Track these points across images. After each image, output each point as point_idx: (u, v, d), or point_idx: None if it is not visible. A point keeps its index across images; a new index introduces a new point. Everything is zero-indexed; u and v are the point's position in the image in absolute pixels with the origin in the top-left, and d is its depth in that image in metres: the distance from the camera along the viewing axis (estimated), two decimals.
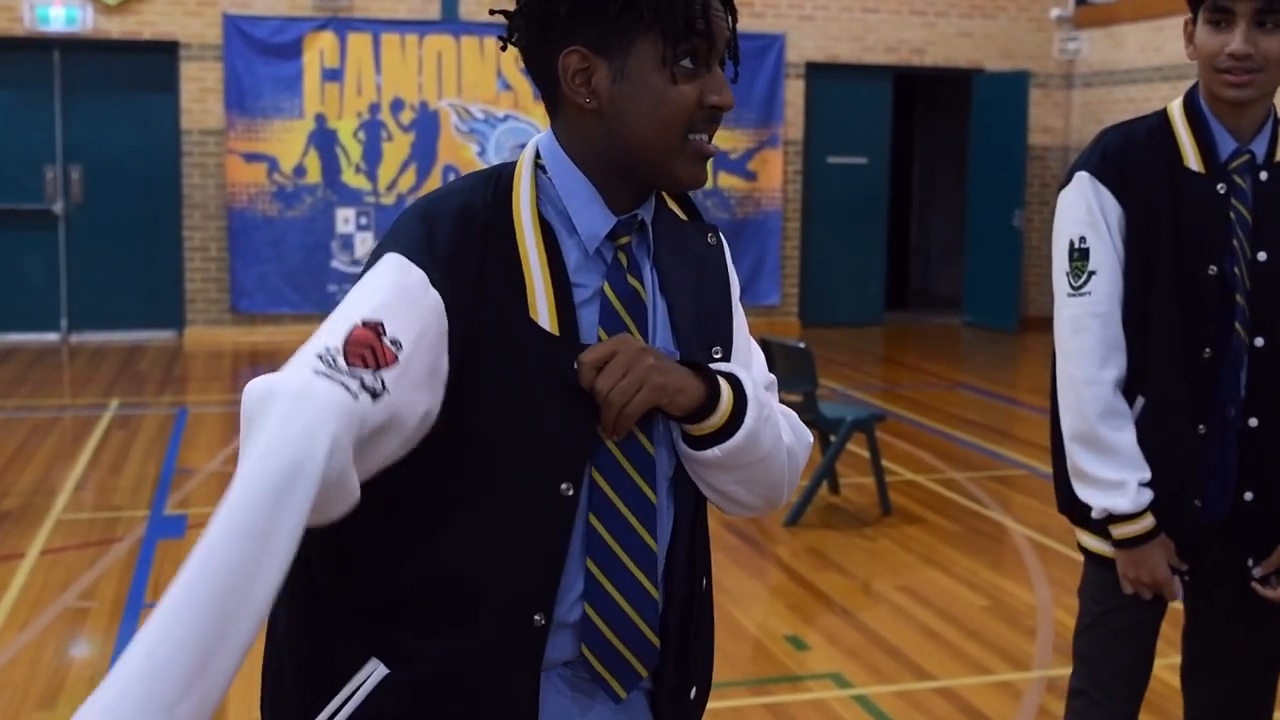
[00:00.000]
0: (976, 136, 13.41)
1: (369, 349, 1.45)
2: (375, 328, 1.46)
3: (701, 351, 1.67)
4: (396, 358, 1.45)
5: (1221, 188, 2.55)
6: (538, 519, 1.56)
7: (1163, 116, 2.63)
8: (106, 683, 1.27)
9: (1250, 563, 2.68)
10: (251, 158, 11.55)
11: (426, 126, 11.89)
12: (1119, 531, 2.58)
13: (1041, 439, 8.16)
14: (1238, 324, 2.57)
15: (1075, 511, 2.69)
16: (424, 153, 11.91)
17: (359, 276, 1.57)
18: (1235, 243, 2.56)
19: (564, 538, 1.57)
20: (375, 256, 1.57)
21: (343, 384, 1.41)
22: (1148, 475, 2.55)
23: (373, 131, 11.80)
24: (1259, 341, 2.58)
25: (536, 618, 1.57)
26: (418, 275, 1.51)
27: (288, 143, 11.61)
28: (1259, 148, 2.58)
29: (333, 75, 11.68)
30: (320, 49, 11.63)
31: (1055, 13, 13.36)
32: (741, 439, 1.62)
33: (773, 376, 1.80)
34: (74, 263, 11.64)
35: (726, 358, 1.70)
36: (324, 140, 11.69)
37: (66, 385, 9.95)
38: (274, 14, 11.56)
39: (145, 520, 6.15)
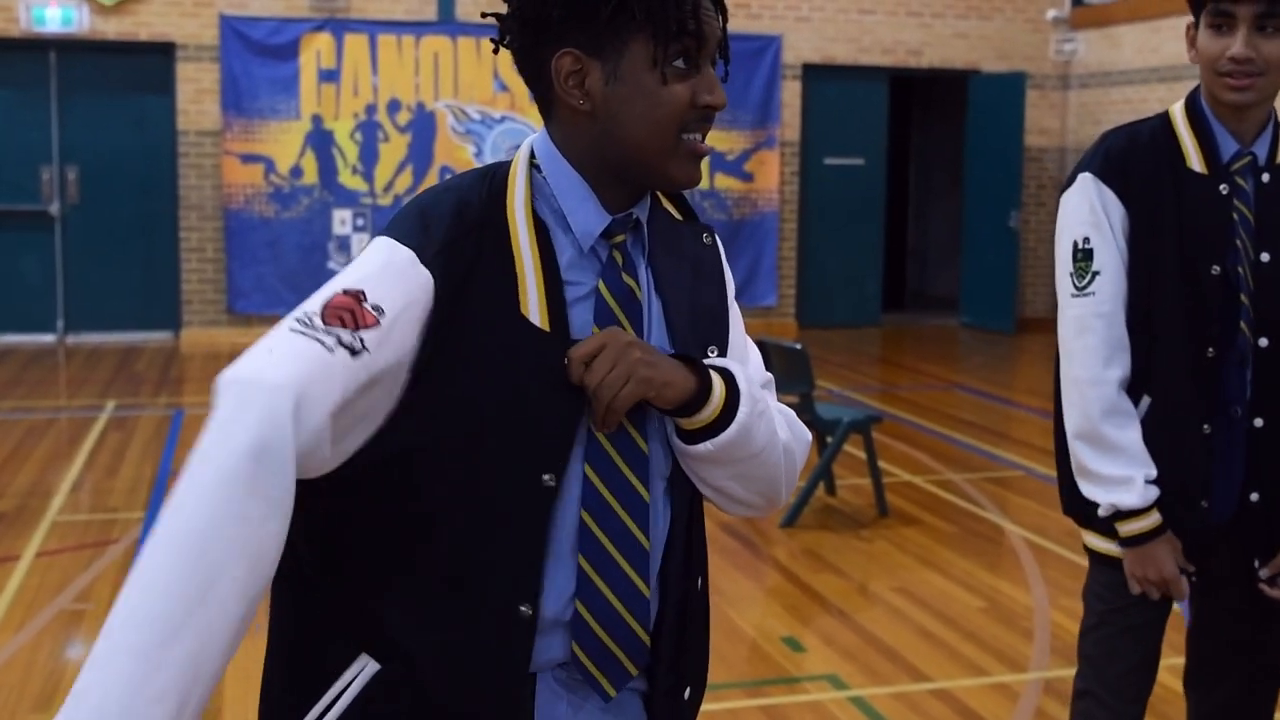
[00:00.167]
0: (973, 138, 13.41)
1: (348, 311, 1.49)
2: (356, 295, 1.50)
3: (697, 350, 1.67)
4: (378, 321, 1.49)
5: (1224, 188, 2.57)
6: (518, 509, 1.56)
7: (1165, 119, 2.65)
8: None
9: (1257, 564, 2.68)
10: (248, 159, 11.55)
11: (423, 127, 11.89)
12: (1126, 529, 2.58)
13: (1039, 440, 8.19)
14: (1242, 323, 2.58)
15: (1081, 512, 2.69)
16: (420, 154, 11.90)
17: None
18: (1238, 243, 2.57)
19: (543, 527, 1.57)
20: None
21: (317, 339, 1.46)
22: (1154, 472, 2.56)
23: (369, 132, 11.79)
24: (1264, 342, 2.59)
25: (523, 609, 1.56)
26: (406, 253, 1.54)
27: (284, 144, 11.61)
28: (1260, 150, 2.60)
29: (329, 76, 11.67)
30: (317, 50, 11.62)
31: (1051, 14, 13.37)
32: (734, 433, 1.63)
33: (769, 375, 1.81)
34: (70, 264, 11.63)
35: (722, 357, 1.70)
36: (321, 141, 11.69)
37: (62, 386, 9.94)
38: (270, 15, 11.55)
39: (141, 522, 6.15)
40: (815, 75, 12.94)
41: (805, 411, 6.23)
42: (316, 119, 11.65)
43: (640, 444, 1.63)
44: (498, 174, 1.64)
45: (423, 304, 1.52)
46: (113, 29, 11.38)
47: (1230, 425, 2.61)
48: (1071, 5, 13.40)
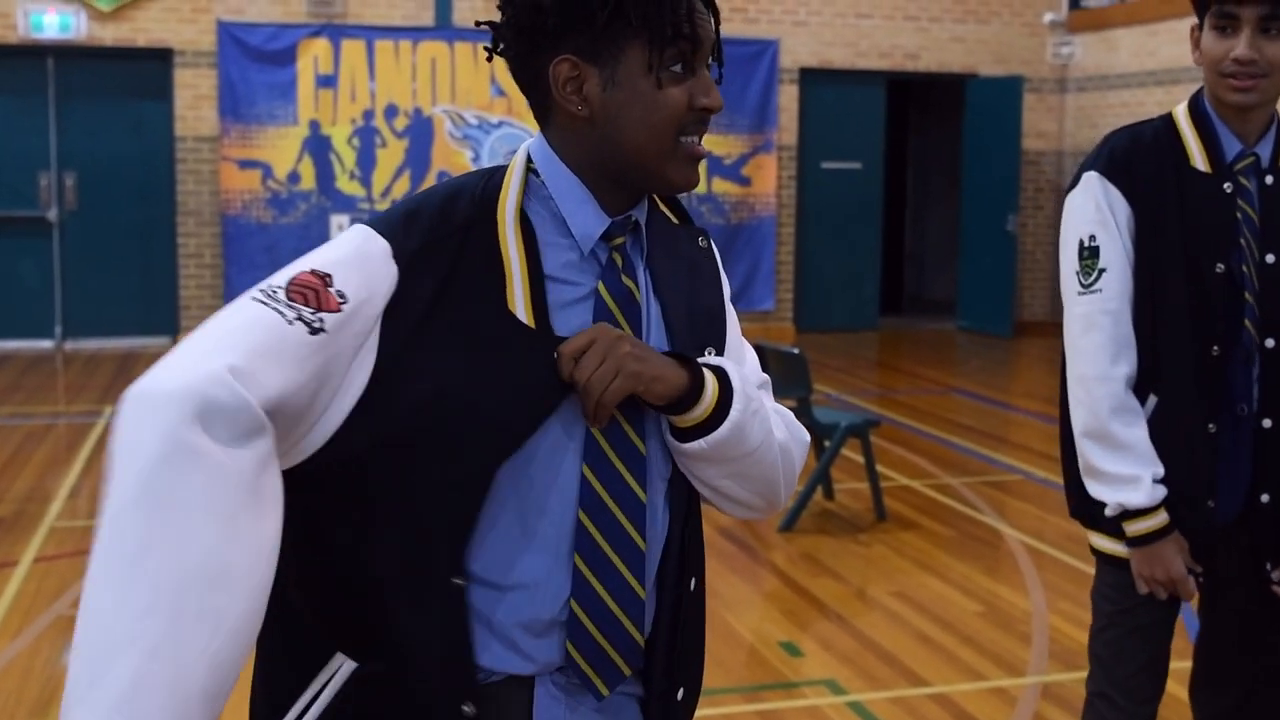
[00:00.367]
0: (970, 141, 13.42)
1: (312, 291, 1.49)
2: (323, 277, 1.51)
3: (695, 352, 1.68)
4: (340, 307, 1.49)
5: (1228, 187, 2.59)
6: (466, 490, 1.55)
7: (1168, 119, 2.67)
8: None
9: (1269, 566, 2.68)
10: (246, 164, 11.55)
11: (420, 133, 11.89)
12: (1133, 528, 2.58)
13: (1037, 444, 8.19)
14: (1247, 321, 2.59)
15: (1087, 514, 2.70)
16: (418, 159, 11.91)
17: None
18: (1242, 241, 2.59)
19: (478, 498, 1.55)
20: None
21: (278, 310, 1.46)
22: (1161, 471, 2.57)
23: (367, 138, 11.80)
24: (1270, 343, 2.60)
25: (455, 580, 1.56)
26: (381, 245, 1.55)
27: (282, 149, 11.61)
28: (1264, 151, 2.61)
29: (327, 82, 11.68)
30: (314, 56, 11.63)
31: (1048, 17, 13.38)
32: (727, 431, 1.63)
33: (765, 376, 1.81)
34: (68, 269, 11.63)
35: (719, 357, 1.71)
36: (318, 147, 11.69)
37: (61, 392, 9.94)
38: (268, 21, 11.56)
39: None
40: (812, 79, 12.94)
41: (803, 416, 6.23)
42: (314, 125, 11.65)
43: (638, 444, 1.63)
44: (495, 175, 1.65)
45: (385, 298, 1.52)
46: (110, 35, 11.38)
47: (1236, 424, 2.62)
48: (1068, 9, 13.42)
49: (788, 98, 12.81)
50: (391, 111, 11.83)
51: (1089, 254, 2.61)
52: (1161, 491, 2.56)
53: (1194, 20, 2.63)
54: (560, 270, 1.61)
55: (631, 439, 1.62)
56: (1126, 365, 2.59)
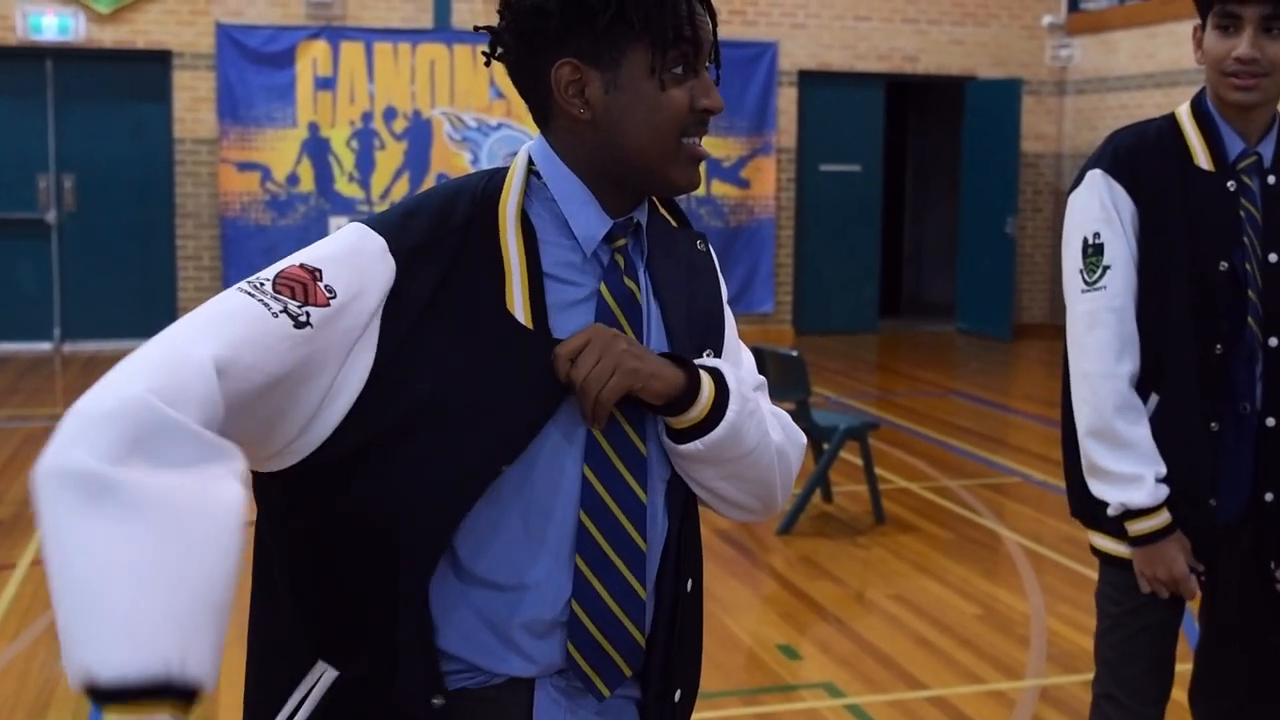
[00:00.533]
0: (969, 144, 13.43)
1: (300, 284, 1.49)
2: (313, 271, 1.51)
3: (693, 354, 1.68)
4: (329, 302, 1.49)
5: (1231, 185, 2.60)
6: (465, 491, 1.55)
7: (1171, 119, 2.69)
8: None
9: (1273, 565, 2.68)
10: (244, 167, 11.55)
11: (419, 135, 11.89)
12: (1135, 528, 2.58)
13: (1036, 446, 8.19)
14: (1250, 319, 2.60)
15: (1089, 514, 2.70)
16: (417, 161, 11.91)
17: None
18: (1246, 240, 2.60)
19: (470, 497, 1.55)
20: None
21: (263, 302, 1.46)
22: (1164, 470, 2.57)
23: (366, 140, 11.80)
24: (1273, 342, 2.61)
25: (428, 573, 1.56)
26: (377, 241, 1.55)
27: (281, 151, 11.61)
28: (1265, 150, 2.63)
29: (325, 84, 11.68)
30: (313, 58, 11.63)
31: (1047, 20, 13.39)
32: (723, 432, 1.63)
33: (762, 379, 1.82)
34: (67, 272, 11.63)
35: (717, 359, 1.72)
36: (317, 149, 11.69)
37: (59, 395, 9.93)
38: (267, 23, 11.56)
39: None
40: (811, 82, 12.95)
41: (802, 418, 6.23)
42: (313, 127, 11.65)
43: (639, 445, 1.63)
44: (495, 177, 1.65)
45: (381, 292, 1.52)
46: (109, 37, 11.38)
47: (1239, 423, 2.62)
48: (1067, 11, 13.42)
49: (786, 100, 12.81)
50: (390, 114, 11.83)
51: (1093, 251, 2.62)
52: (1164, 491, 2.56)
53: (1192, 23, 2.64)
54: (562, 270, 1.62)
55: (632, 440, 1.63)
56: (1130, 363, 2.59)
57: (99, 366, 11.37)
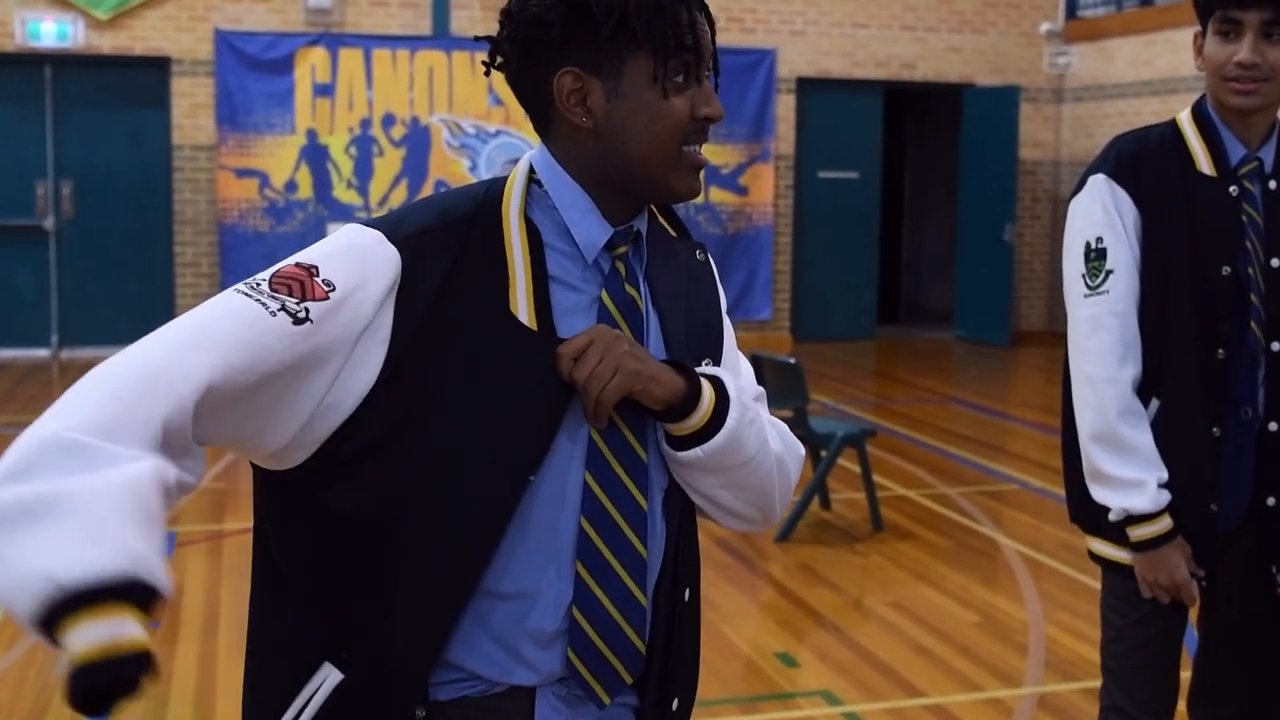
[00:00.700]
0: (967, 151, 13.44)
1: (297, 282, 1.50)
2: (309, 269, 1.52)
3: (692, 363, 1.69)
4: (327, 295, 1.49)
5: (1233, 190, 2.61)
6: (491, 505, 1.55)
7: (1172, 125, 2.70)
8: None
9: (1275, 569, 2.68)
10: (243, 173, 11.55)
11: (418, 142, 11.90)
12: (1137, 533, 2.58)
13: (1034, 454, 8.19)
14: (1253, 324, 2.61)
15: (1089, 519, 2.70)
16: (415, 168, 11.91)
17: None
18: (1248, 244, 2.61)
19: (509, 519, 1.56)
20: None
21: (259, 301, 1.47)
22: (1166, 475, 2.57)
23: (364, 147, 11.81)
24: (1276, 346, 2.62)
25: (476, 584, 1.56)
26: (372, 234, 1.56)
27: (279, 158, 11.61)
28: (1266, 156, 2.64)
29: (324, 91, 11.68)
30: (312, 64, 11.63)
31: (1045, 27, 13.40)
32: (724, 440, 1.64)
33: (761, 389, 1.82)
34: (65, 278, 11.63)
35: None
36: (315, 156, 11.69)
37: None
38: (265, 30, 11.56)
39: None
40: (809, 89, 12.96)
41: (799, 426, 6.23)
42: (311, 133, 11.66)
43: (640, 452, 1.64)
44: (496, 183, 1.66)
45: (388, 280, 1.53)
46: (108, 44, 11.39)
47: (1240, 428, 2.62)
48: (1065, 19, 13.44)
49: (785, 107, 12.82)
50: (389, 120, 11.84)
51: (1096, 256, 2.62)
52: (1166, 496, 2.57)
53: (1189, 30, 2.65)
54: (564, 275, 1.62)
55: (633, 446, 1.63)
56: (1133, 367, 2.59)
57: None
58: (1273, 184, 2.63)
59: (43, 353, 11.58)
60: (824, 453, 6.45)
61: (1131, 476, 2.56)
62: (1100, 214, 2.62)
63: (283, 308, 1.47)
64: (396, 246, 1.54)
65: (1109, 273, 2.60)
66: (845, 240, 13.26)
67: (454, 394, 1.54)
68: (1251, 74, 2.53)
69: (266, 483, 1.60)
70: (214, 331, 1.44)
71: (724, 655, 4.74)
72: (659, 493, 1.68)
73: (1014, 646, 4.89)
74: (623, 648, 1.63)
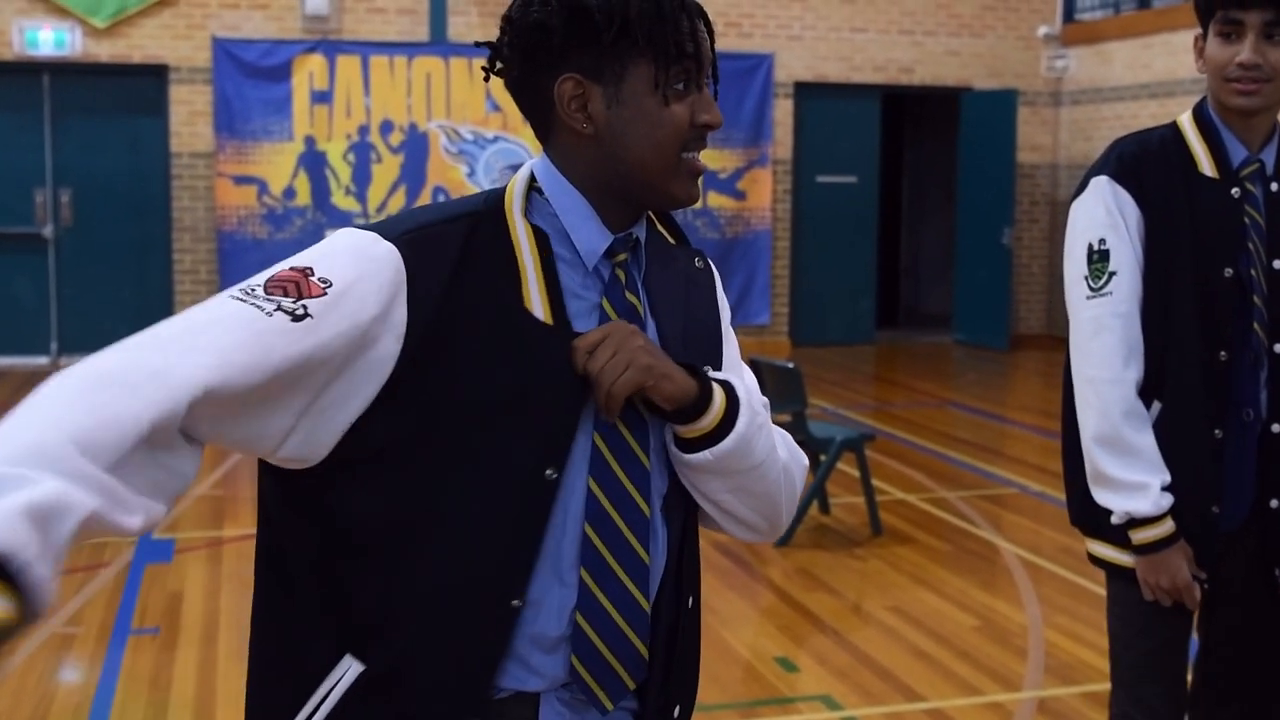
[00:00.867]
0: (965, 154, 13.45)
1: (292, 283, 1.50)
2: (303, 271, 1.52)
3: None
4: (325, 291, 1.50)
5: (1235, 192, 2.61)
6: (518, 504, 1.57)
7: (1173, 127, 2.70)
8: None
9: (1277, 571, 2.68)
10: (241, 180, 11.56)
11: (416, 148, 11.90)
12: (1139, 536, 2.58)
13: (1033, 457, 8.19)
14: (1255, 325, 2.61)
15: (1090, 522, 2.69)
16: (413, 174, 11.92)
17: None
18: (1250, 246, 2.61)
19: (543, 521, 1.58)
20: None
21: (256, 305, 1.47)
22: (1168, 478, 2.57)
23: (362, 153, 11.81)
24: (1278, 348, 2.62)
25: (514, 602, 1.57)
26: (366, 235, 1.57)
27: (277, 165, 11.62)
28: (1268, 158, 2.65)
29: (322, 97, 11.69)
30: (309, 71, 11.64)
31: (1043, 31, 13.41)
32: (733, 443, 1.64)
33: (765, 399, 1.82)
34: (64, 286, 11.63)
35: None
36: (313, 162, 11.70)
37: None
38: (263, 37, 11.57)
39: (133, 544, 6.13)
40: (807, 93, 12.97)
41: (798, 430, 6.22)
42: (309, 140, 11.66)
43: (642, 459, 1.64)
44: (496, 191, 1.67)
45: (390, 276, 1.53)
46: (106, 52, 11.39)
47: (1242, 429, 2.62)
48: (1063, 22, 13.45)
49: (782, 112, 12.83)
50: (387, 127, 11.84)
51: (1099, 257, 2.62)
52: (1169, 499, 2.56)
53: (1187, 33, 2.65)
54: (565, 281, 1.63)
55: (636, 452, 1.64)
56: (1136, 369, 2.59)
57: None
58: (1274, 186, 2.64)
59: (42, 360, 11.58)
60: (823, 457, 6.44)
61: (1135, 479, 2.56)
62: (1103, 215, 2.62)
63: (279, 308, 1.47)
64: (393, 243, 1.55)
65: (1112, 274, 2.60)
66: (843, 244, 13.26)
67: (469, 389, 1.54)
68: (1253, 75, 2.53)
69: (278, 483, 1.60)
70: (210, 333, 1.44)
71: (723, 660, 4.74)
72: (658, 499, 1.68)
73: (1013, 650, 4.89)
74: (626, 653, 1.63)
